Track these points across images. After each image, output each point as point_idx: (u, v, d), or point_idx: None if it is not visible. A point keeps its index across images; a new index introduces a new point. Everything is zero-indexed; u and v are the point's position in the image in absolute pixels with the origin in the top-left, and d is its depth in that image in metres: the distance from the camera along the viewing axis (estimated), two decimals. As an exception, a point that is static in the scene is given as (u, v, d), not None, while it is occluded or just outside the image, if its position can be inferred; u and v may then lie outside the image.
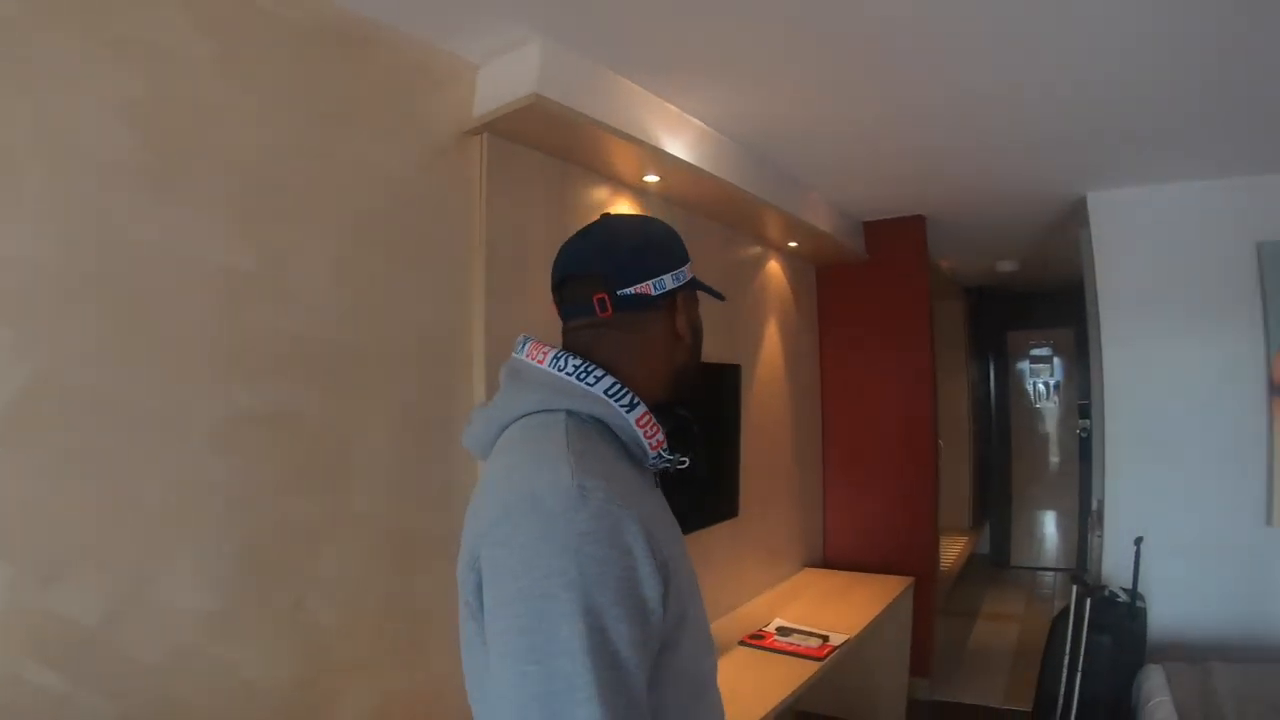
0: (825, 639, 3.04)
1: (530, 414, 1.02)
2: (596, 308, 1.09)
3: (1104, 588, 3.62)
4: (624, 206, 2.87)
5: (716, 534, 3.36)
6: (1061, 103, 2.77)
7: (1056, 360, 7.52)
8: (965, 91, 2.65)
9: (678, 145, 2.66)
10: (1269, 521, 3.65)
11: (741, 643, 3.10)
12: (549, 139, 2.41)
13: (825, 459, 4.78)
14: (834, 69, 2.47)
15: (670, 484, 1.18)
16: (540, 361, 1.06)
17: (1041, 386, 7.56)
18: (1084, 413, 6.72)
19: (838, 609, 3.55)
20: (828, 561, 4.70)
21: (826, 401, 4.79)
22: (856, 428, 4.69)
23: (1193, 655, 3.42)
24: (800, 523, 4.42)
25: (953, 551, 6.30)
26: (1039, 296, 7.54)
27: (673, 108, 2.67)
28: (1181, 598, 3.75)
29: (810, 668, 2.80)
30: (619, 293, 1.08)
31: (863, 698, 4.08)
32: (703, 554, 3.27)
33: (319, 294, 1.88)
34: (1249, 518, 3.69)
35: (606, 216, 1.19)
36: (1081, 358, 6.54)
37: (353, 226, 1.97)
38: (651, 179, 2.83)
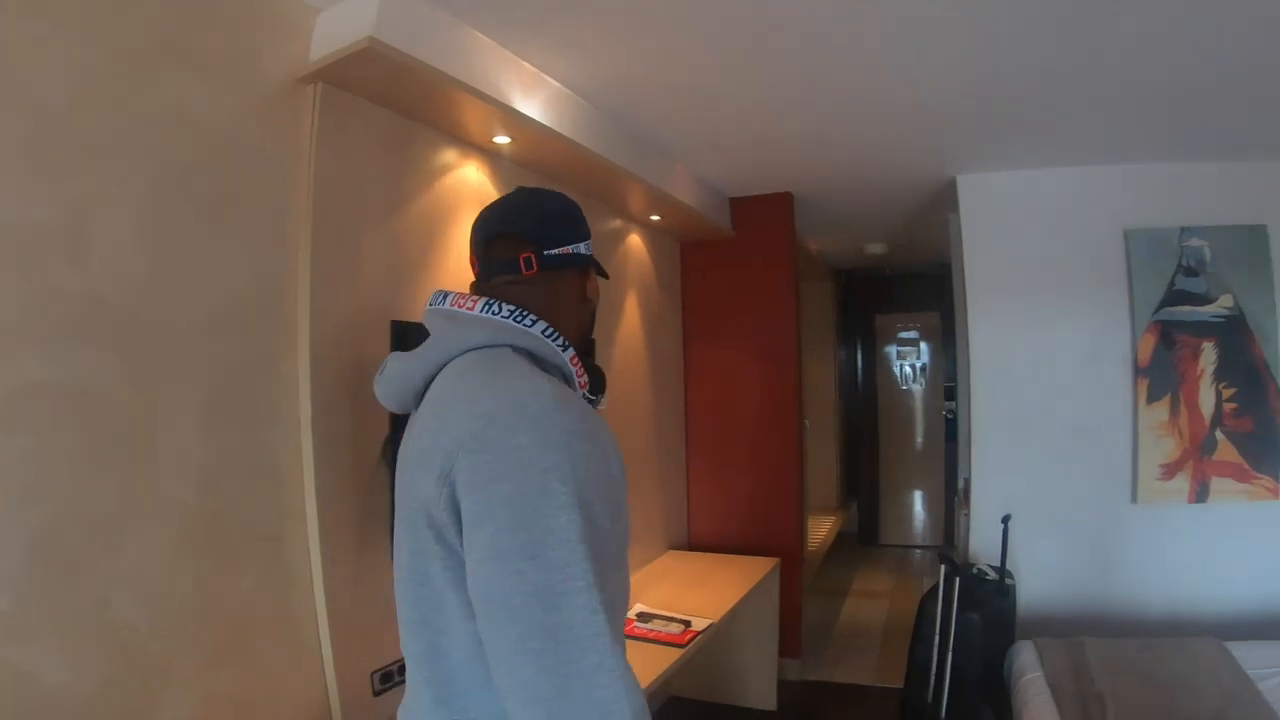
0: (687, 624, 3.04)
1: (476, 348, 1.12)
2: (523, 265, 1.20)
3: (973, 565, 3.78)
4: (472, 170, 2.78)
5: None
6: (933, 83, 2.84)
7: (923, 344, 7.75)
8: (836, 68, 2.69)
9: (532, 105, 2.58)
10: (1134, 499, 3.89)
11: (602, 630, 3.05)
12: (390, 92, 2.29)
13: (689, 439, 4.79)
14: (703, 36, 2.44)
15: None
16: (470, 308, 1.16)
17: (909, 369, 7.79)
18: (949, 395, 6.97)
19: (701, 593, 3.56)
20: (692, 544, 4.73)
21: (690, 381, 4.80)
22: (721, 408, 4.71)
23: (1062, 631, 3.60)
24: (662, 505, 4.42)
25: (821, 531, 6.47)
26: (906, 280, 7.80)
27: (529, 66, 2.59)
28: (1049, 574, 3.96)
29: (672, 654, 2.79)
30: (546, 253, 1.22)
31: (733, 680, 4.14)
32: None
33: (124, 252, 1.72)
34: (1114, 495, 3.93)
35: (526, 187, 1.32)
36: (948, 341, 6.80)
37: (165, 179, 1.81)
38: (502, 140, 2.74)
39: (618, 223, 3.96)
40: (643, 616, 3.15)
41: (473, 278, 1.31)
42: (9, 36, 1.52)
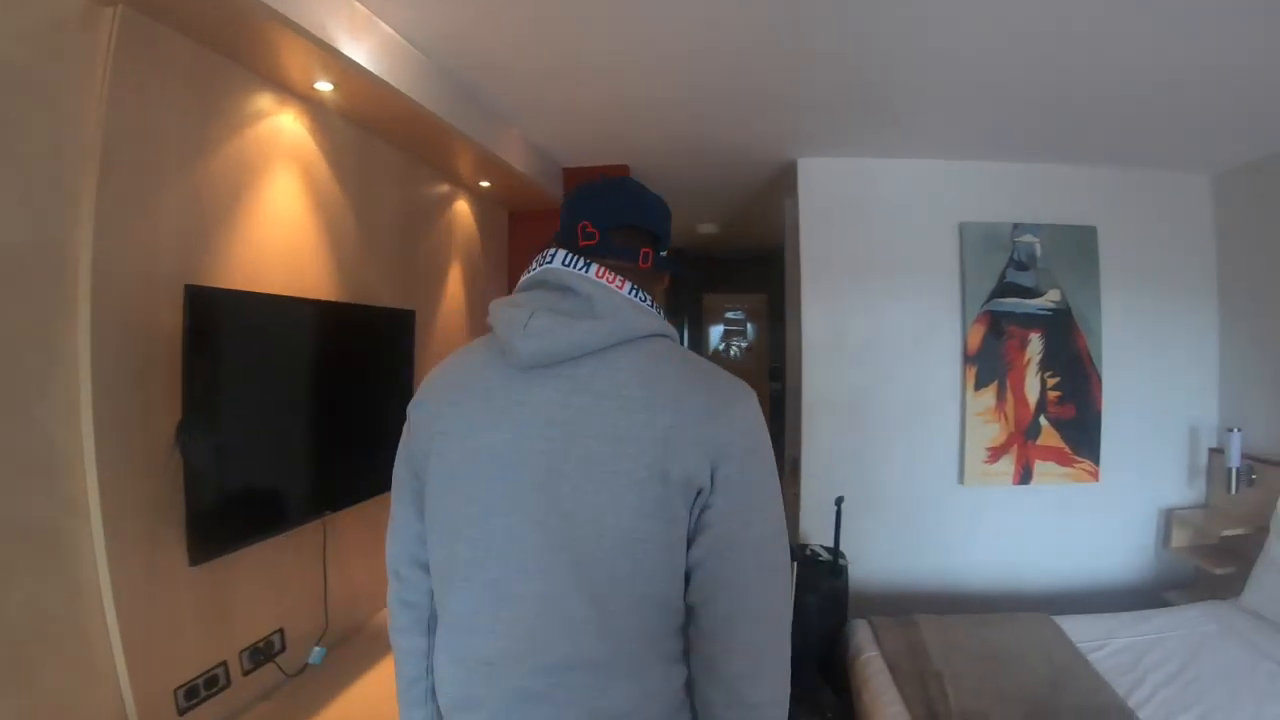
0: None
1: (651, 335, 1.24)
2: (640, 259, 1.30)
3: (805, 546, 3.84)
4: (289, 120, 2.58)
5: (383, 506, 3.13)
6: (776, 62, 2.84)
7: (750, 324, 7.86)
8: (677, 38, 2.64)
9: (360, 50, 2.39)
10: (960, 480, 4.09)
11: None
12: (201, 21, 2.06)
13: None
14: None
15: None
16: (620, 288, 1.25)
17: (735, 349, 7.89)
18: (774, 375, 7.10)
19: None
20: None
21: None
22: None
23: (893, 609, 3.73)
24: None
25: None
26: (736, 261, 7.94)
27: (361, 7, 2.39)
28: (880, 554, 4.11)
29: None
30: (660, 253, 1.34)
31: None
32: (376, 525, 3.04)
33: None
34: (942, 477, 4.11)
35: (636, 180, 1.37)
36: (775, 322, 6.89)
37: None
38: (324, 87, 2.55)
39: (445, 187, 3.81)
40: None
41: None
42: None
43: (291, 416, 2.49)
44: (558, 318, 1.20)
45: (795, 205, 4.26)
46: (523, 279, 1.32)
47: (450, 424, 1.24)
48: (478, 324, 4.19)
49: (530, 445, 1.17)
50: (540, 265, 1.29)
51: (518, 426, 1.19)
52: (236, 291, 2.26)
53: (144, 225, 2.01)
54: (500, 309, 1.27)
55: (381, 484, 2.85)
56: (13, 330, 1.72)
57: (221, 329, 2.15)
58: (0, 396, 1.69)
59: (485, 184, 3.95)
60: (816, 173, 4.19)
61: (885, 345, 4.14)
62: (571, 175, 4.45)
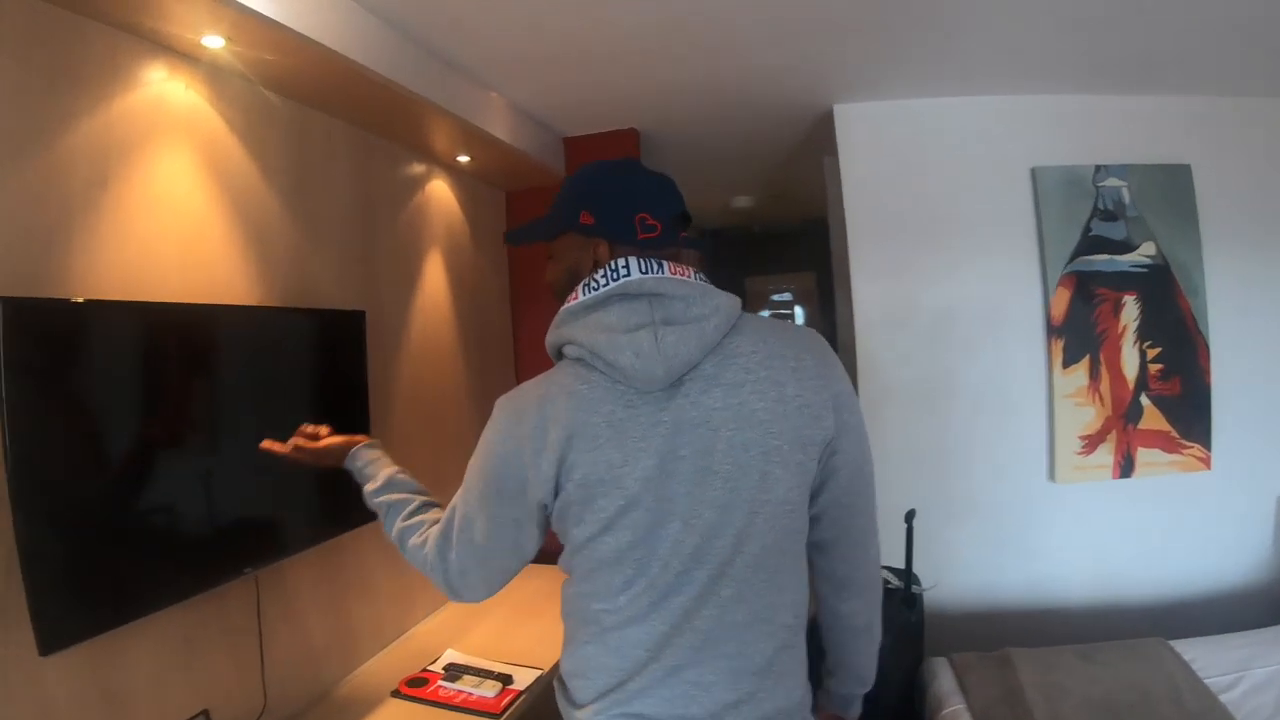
0: (508, 680, 2.48)
1: (739, 314, 1.35)
2: (681, 243, 1.46)
3: (872, 570, 3.28)
4: (179, 87, 2.12)
5: (354, 544, 2.72)
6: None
7: (799, 308, 7.42)
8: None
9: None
10: (1051, 477, 3.55)
11: (395, 693, 2.50)
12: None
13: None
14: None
15: None
16: (688, 276, 1.34)
17: (783, 337, 7.44)
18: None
19: (537, 625, 3.01)
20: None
21: (521, 359, 4.24)
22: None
23: (978, 637, 3.26)
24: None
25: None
26: (779, 238, 7.38)
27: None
28: (959, 571, 3.58)
29: (485, 727, 2.23)
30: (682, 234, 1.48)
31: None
32: (336, 574, 2.70)
33: None
34: (1029, 475, 3.58)
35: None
36: (827, 303, 6.42)
37: None
38: (213, 43, 2.07)
39: (415, 166, 3.33)
40: (451, 671, 2.58)
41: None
42: None
43: (181, 453, 2.00)
44: (679, 329, 1.27)
45: (835, 164, 3.73)
46: (592, 295, 1.33)
47: (591, 471, 1.27)
48: (471, 323, 3.75)
49: (679, 459, 1.27)
50: (612, 277, 1.32)
51: (664, 446, 1.27)
52: (82, 302, 1.78)
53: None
54: (605, 337, 1.28)
55: (339, 521, 2.49)
56: None
57: (65, 348, 1.69)
58: None
59: (464, 159, 3.47)
60: (857, 121, 3.65)
61: (953, 322, 3.60)
62: (574, 147, 3.98)
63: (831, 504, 1.39)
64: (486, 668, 2.59)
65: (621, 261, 1.31)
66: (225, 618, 2.17)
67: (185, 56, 2.12)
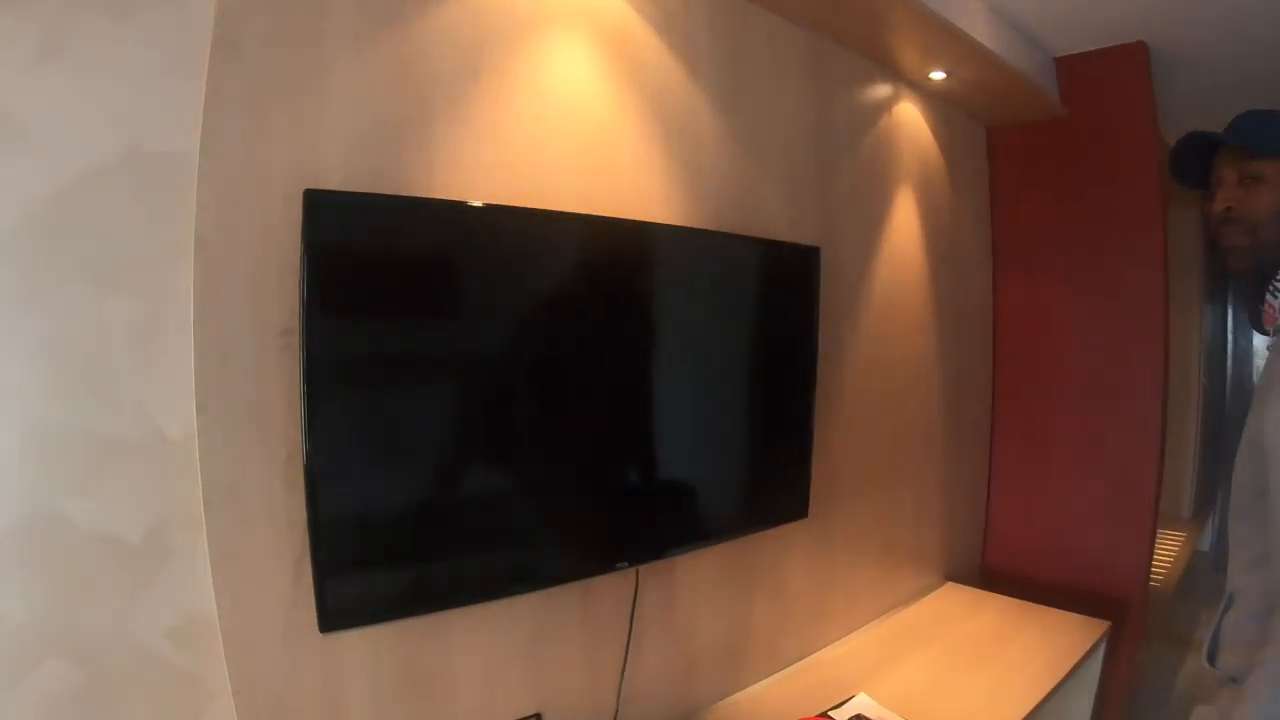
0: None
1: None
2: None
3: None
4: None
5: (771, 544, 2.32)
6: None
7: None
8: None
9: None
10: None
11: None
12: None
13: (996, 419, 3.54)
14: None
15: None
16: None
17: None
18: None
19: (984, 675, 2.37)
20: (987, 572, 3.53)
21: (1001, 336, 3.52)
22: (1044, 374, 3.42)
23: None
24: (946, 512, 3.24)
25: (1167, 553, 4.95)
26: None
27: None
28: None
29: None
30: None
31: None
32: (741, 575, 2.28)
33: None
34: None
35: None
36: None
37: None
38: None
39: (880, 84, 2.74)
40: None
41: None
42: None
43: (551, 414, 1.65)
44: None
45: None
46: None
47: None
48: (945, 286, 3.13)
49: None
50: None
51: None
52: (434, 201, 1.48)
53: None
54: None
55: (761, 515, 2.19)
56: None
57: (406, 260, 1.42)
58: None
59: (939, 76, 2.84)
60: None
61: None
62: (1068, 69, 3.16)
63: None
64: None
65: None
66: (589, 613, 1.87)
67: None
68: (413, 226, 1.41)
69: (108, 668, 1.21)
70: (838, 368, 2.55)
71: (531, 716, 1.75)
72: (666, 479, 1.88)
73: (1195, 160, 1.45)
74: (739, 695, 2.29)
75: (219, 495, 1.27)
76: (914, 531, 3.02)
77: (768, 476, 2.18)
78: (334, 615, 1.34)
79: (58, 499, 1.18)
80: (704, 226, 2.04)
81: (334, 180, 1.36)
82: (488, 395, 1.54)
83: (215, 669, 1.31)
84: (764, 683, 2.36)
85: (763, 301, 2.12)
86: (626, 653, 1.93)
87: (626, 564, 1.79)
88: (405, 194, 1.45)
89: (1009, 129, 3.40)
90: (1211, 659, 1.40)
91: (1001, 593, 3.11)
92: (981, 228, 3.44)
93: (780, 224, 2.29)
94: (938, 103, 3.08)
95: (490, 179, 1.59)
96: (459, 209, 1.48)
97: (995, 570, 3.51)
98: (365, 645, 1.47)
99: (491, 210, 1.51)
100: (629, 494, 1.80)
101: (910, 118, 2.92)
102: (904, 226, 2.88)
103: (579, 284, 1.64)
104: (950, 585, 3.22)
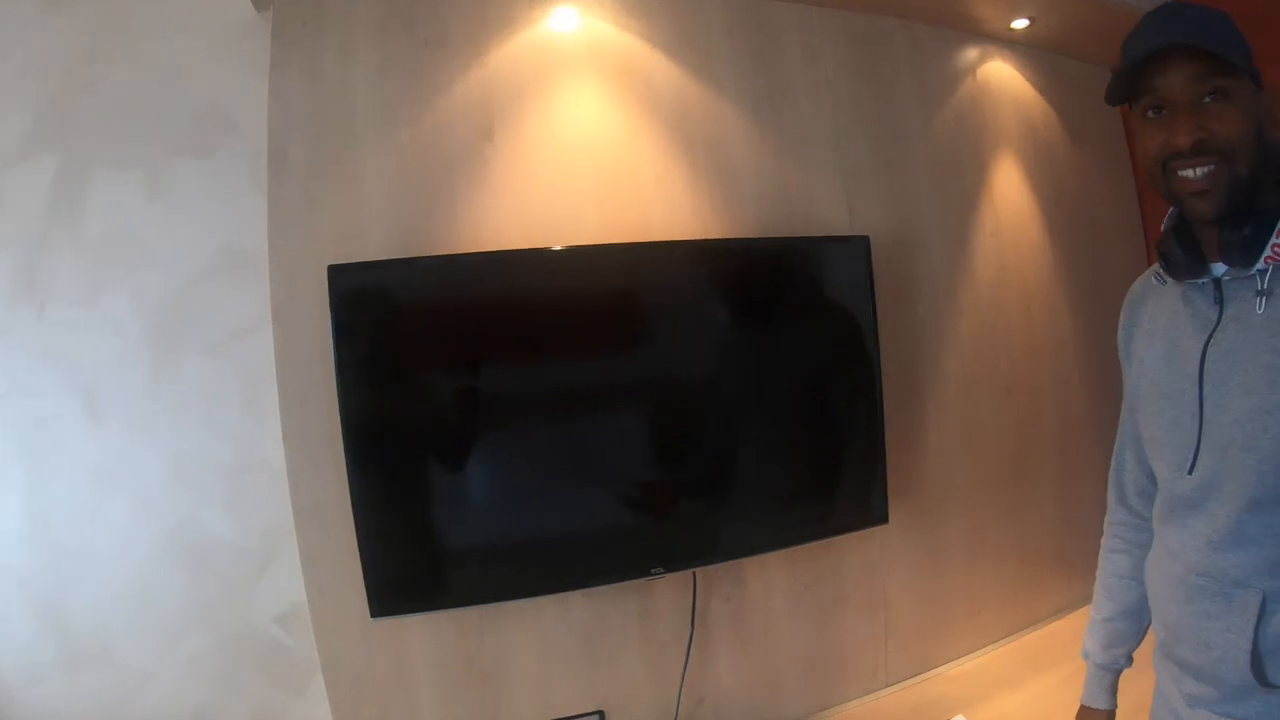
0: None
1: None
2: None
3: None
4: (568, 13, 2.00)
5: (858, 552, 2.31)
6: None
7: None
8: None
9: None
10: None
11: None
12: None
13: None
14: None
15: None
16: None
17: None
18: None
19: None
20: None
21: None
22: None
23: None
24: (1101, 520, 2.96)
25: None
26: None
27: None
28: None
29: None
30: None
31: None
32: (827, 585, 2.29)
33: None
34: None
35: None
36: None
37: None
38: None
39: (954, 49, 2.61)
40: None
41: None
42: None
43: (589, 415, 1.87)
44: None
45: None
46: None
47: None
48: (1073, 251, 2.83)
49: None
50: None
51: None
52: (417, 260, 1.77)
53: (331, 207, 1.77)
54: None
55: (848, 513, 2.15)
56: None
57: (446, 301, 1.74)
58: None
59: (1021, 24, 2.60)
60: None
61: None
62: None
63: None
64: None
65: None
66: (647, 617, 2.03)
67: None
68: (419, 280, 1.73)
69: (234, 645, 1.73)
70: (929, 360, 2.46)
71: (594, 713, 1.94)
72: (702, 488, 1.96)
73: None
74: (829, 712, 2.24)
75: (305, 510, 1.69)
76: (1058, 537, 2.70)
77: (826, 481, 2.12)
78: (380, 604, 1.64)
79: (197, 511, 1.70)
80: (744, 234, 2.12)
81: (372, 249, 1.73)
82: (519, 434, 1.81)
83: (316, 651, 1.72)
84: (858, 700, 2.29)
85: (811, 301, 2.12)
86: (687, 657, 2.02)
87: (662, 570, 1.85)
88: (434, 253, 1.76)
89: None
90: (1261, 676, 1.05)
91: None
92: (1121, 180, 3.05)
93: (837, 216, 2.28)
94: (1038, 53, 2.82)
95: (509, 227, 1.87)
96: (455, 261, 1.76)
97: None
98: (429, 636, 1.79)
99: (497, 256, 1.78)
100: (661, 502, 1.92)
101: (1002, 76, 2.71)
102: (1007, 196, 2.68)
103: (586, 310, 1.85)
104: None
